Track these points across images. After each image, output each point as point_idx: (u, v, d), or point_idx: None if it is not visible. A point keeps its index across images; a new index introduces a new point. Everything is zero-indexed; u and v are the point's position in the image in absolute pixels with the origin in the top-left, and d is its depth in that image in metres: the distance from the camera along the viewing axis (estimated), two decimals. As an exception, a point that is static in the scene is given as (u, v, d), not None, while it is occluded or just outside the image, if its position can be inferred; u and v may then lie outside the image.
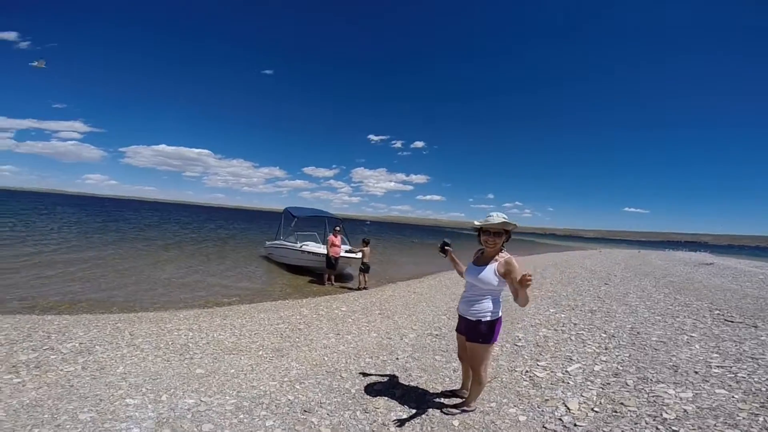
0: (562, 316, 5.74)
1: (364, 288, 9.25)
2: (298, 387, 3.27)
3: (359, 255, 9.67)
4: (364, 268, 9.35)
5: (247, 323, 5.49)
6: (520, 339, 4.57)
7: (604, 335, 4.64)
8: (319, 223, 14.16)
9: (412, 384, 3.34)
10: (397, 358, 4.06)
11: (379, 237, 43.36)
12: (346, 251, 10.04)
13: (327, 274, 9.79)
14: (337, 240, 9.79)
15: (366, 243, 9.70)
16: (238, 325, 5.38)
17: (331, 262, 9.65)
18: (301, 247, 11.41)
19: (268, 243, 14.79)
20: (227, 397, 3.02)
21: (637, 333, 4.73)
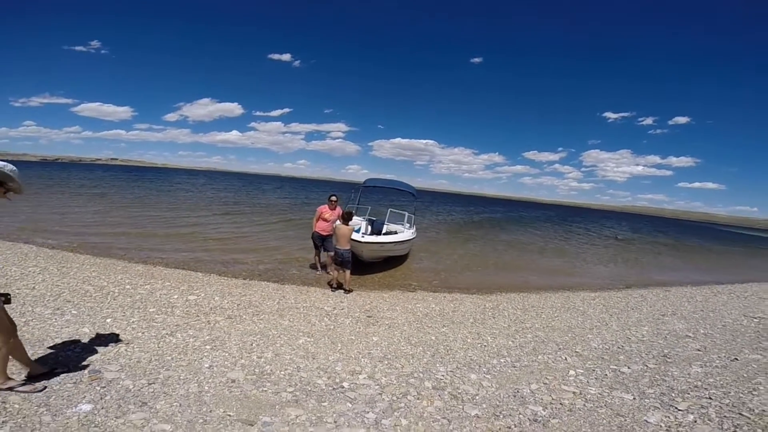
0: None
1: (338, 288, 6.64)
2: None
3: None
4: (341, 258, 6.51)
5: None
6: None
7: None
8: (408, 201, 11.93)
9: None
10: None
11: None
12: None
13: (316, 257, 7.76)
14: (329, 214, 7.44)
15: (346, 218, 6.62)
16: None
17: (314, 241, 7.60)
18: None
19: None
20: None
21: None
